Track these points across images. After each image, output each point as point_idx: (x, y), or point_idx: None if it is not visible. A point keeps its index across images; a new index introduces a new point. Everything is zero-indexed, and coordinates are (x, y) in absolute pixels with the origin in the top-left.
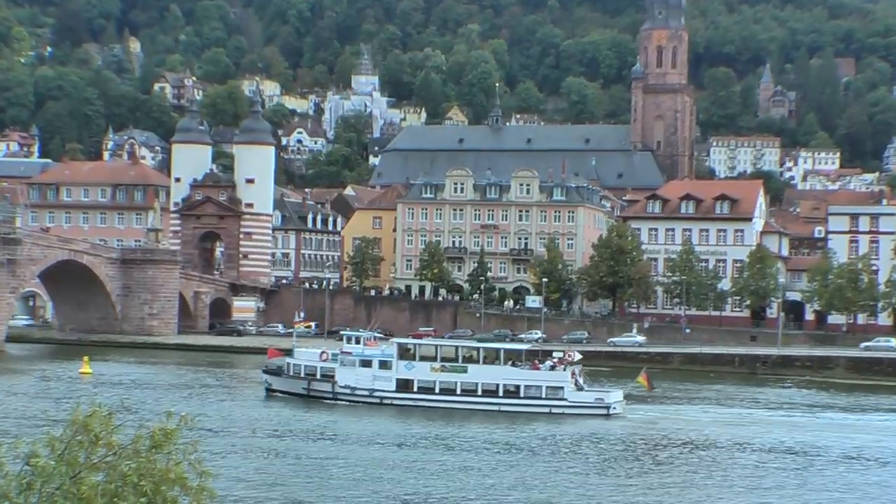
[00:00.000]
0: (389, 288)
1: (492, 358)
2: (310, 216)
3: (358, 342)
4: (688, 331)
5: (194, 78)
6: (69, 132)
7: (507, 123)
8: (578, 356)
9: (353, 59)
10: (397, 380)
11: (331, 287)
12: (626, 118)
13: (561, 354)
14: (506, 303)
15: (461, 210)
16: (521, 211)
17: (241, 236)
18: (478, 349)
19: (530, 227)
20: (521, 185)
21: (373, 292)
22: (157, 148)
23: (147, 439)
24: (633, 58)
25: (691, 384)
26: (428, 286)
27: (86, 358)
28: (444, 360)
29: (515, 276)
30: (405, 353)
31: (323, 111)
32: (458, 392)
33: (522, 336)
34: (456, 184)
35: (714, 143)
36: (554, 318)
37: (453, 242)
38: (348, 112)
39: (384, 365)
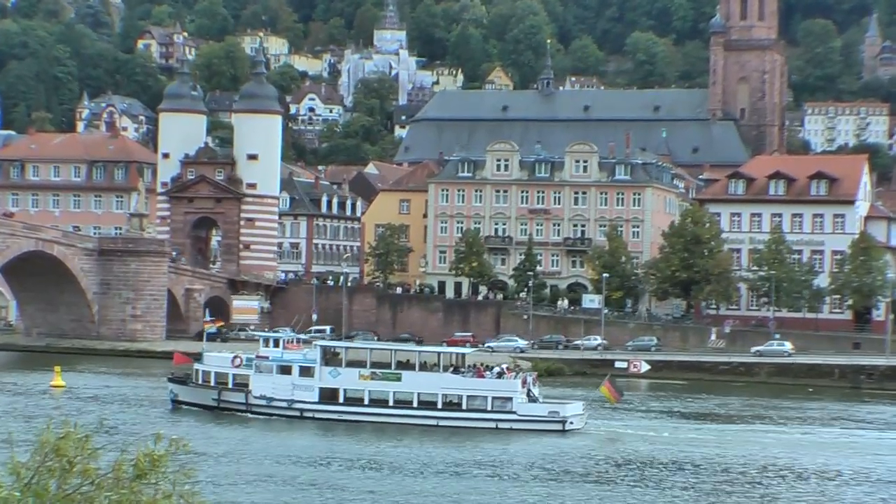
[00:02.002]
0: (419, 285)
1: (430, 364)
2: (324, 199)
3: (276, 345)
4: (777, 336)
5: (185, 34)
6: (36, 98)
7: (560, 88)
8: (646, 367)
9: (375, 11)
10: (321, 389)
11: (349, 284)
12: (703, 81)
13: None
14: (559, 303)
15: (505, 192)
16: (576, 192)
17: (242, 223)
18: (414, 353)
19: (588, 212)
20: (577, 161)
21: (399, 290)
22: (142, 117)
23: (130, 466)
24: (712, 8)
25: (781, 401)
26: (465, 283)
27: (57, 368)
28: (374, 366)
29: (570, 270)
30: (331, 358)
31: (339, 73)
32: (391, 403)
33: (579, 343)
34: (499, 160)
35: (809, 111)
36: (616, 320)
37: (496, 230)
38: (370, 74)
39: (306, 372)
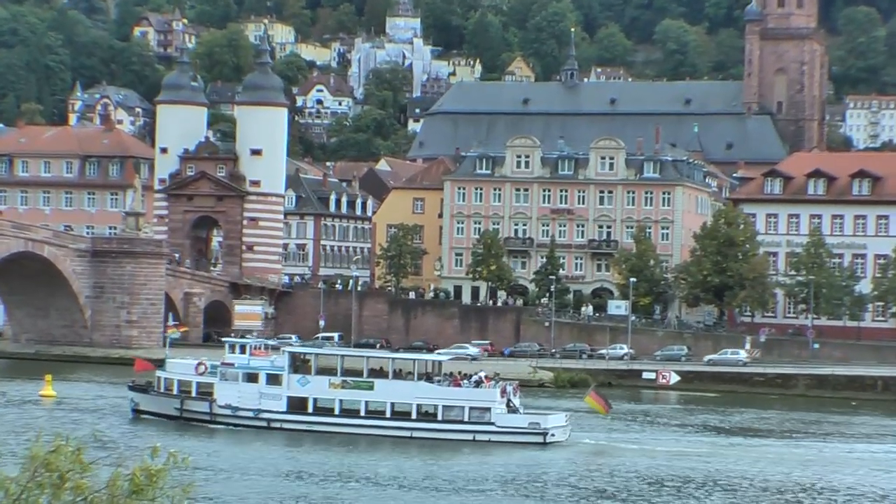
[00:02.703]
0: (434, 290)
1: (404, 372)
2: (332, 197)
3: (243, 351)
4: (816, 346)
5: (185, 20)
6: (25, 89)
7: (585, 79)
8: (675, 378)
9: None
10: (289, 398)
11: (359, 288)
12: (737, 72)
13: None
14: (583, 309)
15: (526, 190)
16: (602, 191)
17: (245, 223)
18: (388, 360)
19: (614, 213)
20: (603, 158)
21: (412, 295)
22: (138, 110)
23: (126, 481)
24: None
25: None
26: (483, 287)
27: (48, 377)
28: (346, 373)
29: (595, 274)
30: (300, 366)
31: (349, 63)
32: (363, 414)
33: (604, 352)
34: (519, 156)
35: (851, 105)
36: (644, 328)
37: (516, 231)
38: (382, 64)
39: (273, 380)
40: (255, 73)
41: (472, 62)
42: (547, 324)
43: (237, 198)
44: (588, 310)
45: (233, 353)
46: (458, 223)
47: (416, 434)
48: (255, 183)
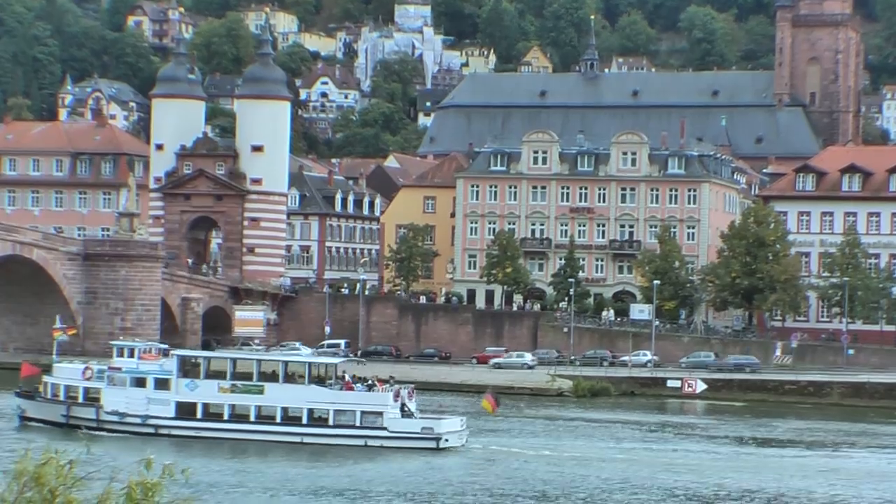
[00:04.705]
0: (446, 294)
1: (297, 376)
2: (338, 196)
3: (131, 355)
4: (851, 352)
5: (181, 9)
6: (12, 82)
7: (606, 70)
8: (702, 386)
9: None
10: (177, 403)
11: (367, 292)
12: (768, 62)
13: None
14: (604, 313)
15: (543, 188)
16: (624, 189)
17: (246, 223)
18: (279, 363)
19: (637, 211)
20: (625, 153)
21: (423, 300)
22: (132, 104)
23: (120, 496)
24: None
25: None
26: (498, 291)
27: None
28: (237, 377)
29: (616, 277)
30: (189, 370)
31: (356, 54)
32: (253, 419)
33: (626, 359)
34: (536, 152)
35: (888, 96)
36: (669, 334)
37: (533, 232)
38: (390, 55)
39: (162, 384)
40: (255, 65)
41: (485, 52)
42: (566, 329)
43: (237, 197)
44: (609, 314)
45: (121, 356)
46: (472, 223)
47: (306, 440)
48: (257, 181)
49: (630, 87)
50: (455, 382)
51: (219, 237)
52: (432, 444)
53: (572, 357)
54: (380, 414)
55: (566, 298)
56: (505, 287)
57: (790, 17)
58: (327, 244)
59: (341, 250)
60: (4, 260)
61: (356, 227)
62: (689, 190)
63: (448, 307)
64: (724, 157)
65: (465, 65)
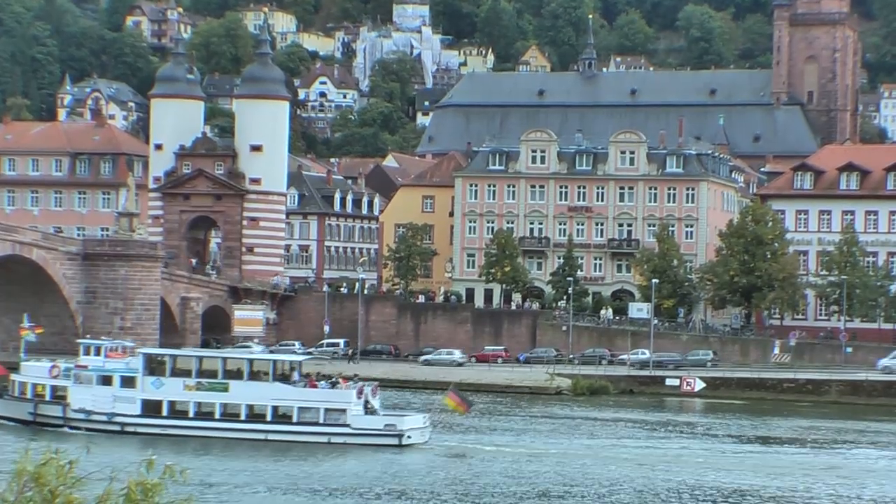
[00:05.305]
0: (445, 293)
1: (261, 373)
2: (337, 196)
3: (98, 353)
4: (849, 350)
5: (180, 9)
6: (11, 82)
7: (605, 69)
8: (700, 384)
9: None
10: (143, 401)
11: (365, 292)
12: (765, 60)
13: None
14: (602, 312)
15: (541, 187)
16: (622, 188)
17: (245, 223)
18: (244, 361)
19: (635, 210)
20: (623, 152)
21: (422, 299)
22: (131, 104)
23: (121, 497)
24: None
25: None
26: (497, 290)
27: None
28: (203, 375)
29: (615, 275)
30: (155, 368)
31: (354, 53)
32: (218, 416)
33: (624, 357)
34: (534, 151)
35: (886, 94)
36: (668, 332)
37: (531, 231)
38: (388, 55)
39: (128, 382)
40: (254, 65)
41: (484, 51)
42: (564, 328)
43: (236, 197)
44: (608, 313)
45: (87, 355)
46: (470, 222)
47: (271, 437)
48: (256, 181)
49: (628, 86)
50: (454, 382)
51: (218, 237)
52: (395, 441)
53: (571, 356)
54: (343, 411)
55: (565, 297)
56: (503, 286)
57: (788, 15)
58: (326, 244)
59: (340, 250)
60: (4, 260)
61: (355, 227)
62: (688, 189)
63: (447, 306)
64: (722, 155)
65: (464, 64)
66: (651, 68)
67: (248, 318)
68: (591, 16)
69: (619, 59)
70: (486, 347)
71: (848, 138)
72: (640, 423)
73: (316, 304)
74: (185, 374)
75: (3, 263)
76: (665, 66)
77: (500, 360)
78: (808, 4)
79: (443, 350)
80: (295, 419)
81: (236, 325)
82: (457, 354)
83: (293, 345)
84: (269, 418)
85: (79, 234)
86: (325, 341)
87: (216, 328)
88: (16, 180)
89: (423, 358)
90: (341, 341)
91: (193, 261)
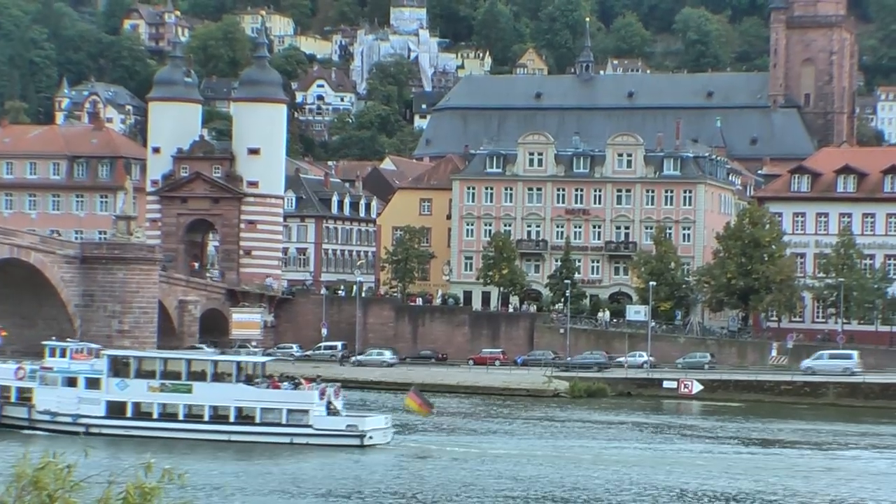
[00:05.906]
0: (442, 295)
1: (225, 375)
2: (334, 199)
3: (63, 354)
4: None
5: (178, 13)
6: (9, 86)
7: (601, 72)
8: (698, 387)
9: None
10: (107, 402)
11: (363, 294)
12: (762, 63)
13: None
14: (600, 315)
15: (539, 189)
16: (619, 190)
17: (243, 226)
18: (208, 363)
19: (632, 213)
20: (620, 155)
21: (420, 301)
22: (129, 107)
23: (119, 500)
24: None
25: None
26: (494, 293)
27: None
28: (166, 376)
29: (612, 278)
30: (120, 369)
31: (352, 56)
32: (181, 417)
33: (622, 359)
34: (532, 154)
35: (883, 97)
36: (665, 334)
37: (528, 233)
38: (386, 58)
39: (93, 384)
40: (252, 68)
41: (481, 54)
42: (562, 330)
43: (234, 200)
44: (605, 315)
45: (53, 356)
46: (468, 225)
47: (234, 437)
48: (253, 184)
49: (625, 89)
50: (451, 384)
51: (216, 240)
52: (357, 442)
53: (568, 358)
54: (305, 412)
55: (562, 300)
56: (501, 288)
57: (784, 18)
58: (324, 246)
59: (338, 252)
60: (2, 263)
61: (352, 230)
62: (685, 191)
63: (444, 309)
64: (719, 158)
65: (461, 67)
66: (648, 71)
67: (246, 321)
68: (587, 18)
69: (616, 61)
70: (484, 350)
71: (845, 141)
72: (632, 424)
73: (314, 307)
74: (150, 375)
75: (1, 267)
76: (662, 69)
77: (497, 362)
78: (804, 7)
79: (373, 350)
80: (258, 420)
81: (234, 328)
82: (387, 355)
83: (291, 347)
84: (232, 419)
85: (76, 238)
86: (322, 344)
87: (214, 331)
88: (13, 183)
89: (354, 358)
90: (339, 344)
91: (196, 264)
